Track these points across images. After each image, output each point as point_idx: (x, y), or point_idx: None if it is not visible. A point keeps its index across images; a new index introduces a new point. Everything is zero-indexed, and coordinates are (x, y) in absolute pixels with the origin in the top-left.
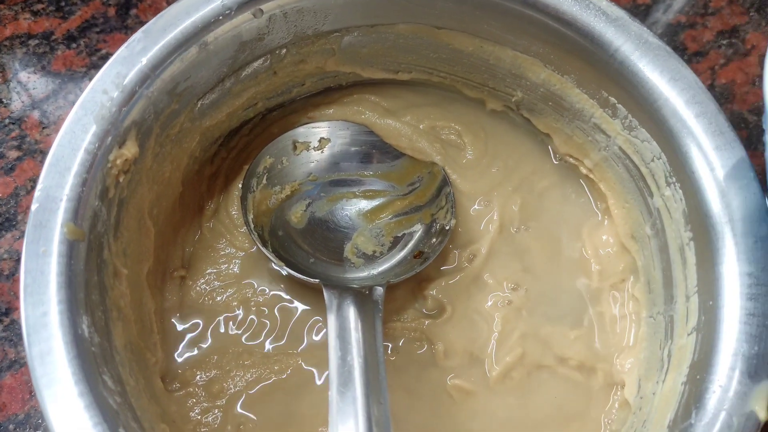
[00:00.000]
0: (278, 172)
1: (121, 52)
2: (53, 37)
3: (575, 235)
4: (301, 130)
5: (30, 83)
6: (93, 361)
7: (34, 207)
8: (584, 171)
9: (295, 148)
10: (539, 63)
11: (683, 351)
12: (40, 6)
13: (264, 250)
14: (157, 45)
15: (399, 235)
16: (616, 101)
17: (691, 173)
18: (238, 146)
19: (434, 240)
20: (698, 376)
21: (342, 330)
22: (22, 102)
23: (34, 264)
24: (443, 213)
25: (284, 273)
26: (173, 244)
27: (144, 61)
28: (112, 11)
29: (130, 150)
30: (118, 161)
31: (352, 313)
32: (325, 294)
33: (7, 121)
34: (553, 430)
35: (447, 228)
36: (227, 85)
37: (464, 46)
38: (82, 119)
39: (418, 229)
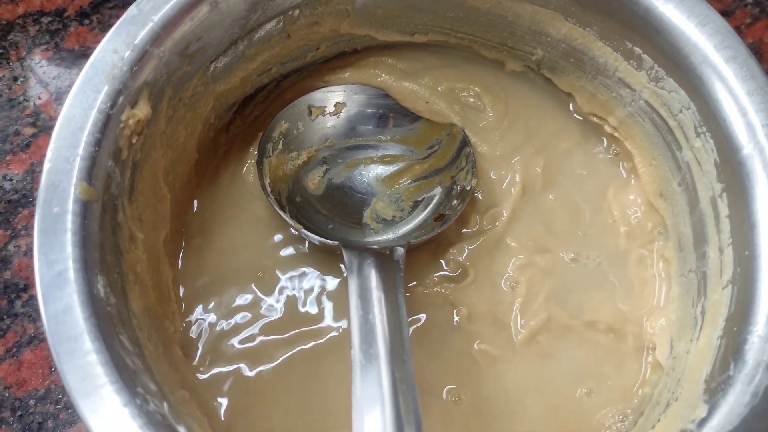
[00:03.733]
0: (294, 138)
1: (131, 11)
2: (66, 14)
3: (600, 197)
4: (316, 94)
5: (44, 60)
6: (109, 321)
7: (46, 167)
8: (609, 130)
9: (310, 113)
10: (560, 17)
11: (718, 305)
12: None
13: (282, 213)
14: (168, 4)
15: (419, 199)
16: (641, 51)
17: (722, 121)
18: (253, 114)
19: (455, 202)
20: (735, 328)
21: (363, 290)
22: (37, 79)
23: (48, 224)
24: (464, 174)
25: (303, 236)
26: (190, 212)
27: (155, 19)
28: None
29: (143, 110)
30: (131, 121)
31: (373, 272)
32: (345, 255)
33: (21, 98)
34: (581, 395)
35: (468, 188)
36: (240, 48)
37: (481, 2)
38: (93, 79)
39: (438, 192)
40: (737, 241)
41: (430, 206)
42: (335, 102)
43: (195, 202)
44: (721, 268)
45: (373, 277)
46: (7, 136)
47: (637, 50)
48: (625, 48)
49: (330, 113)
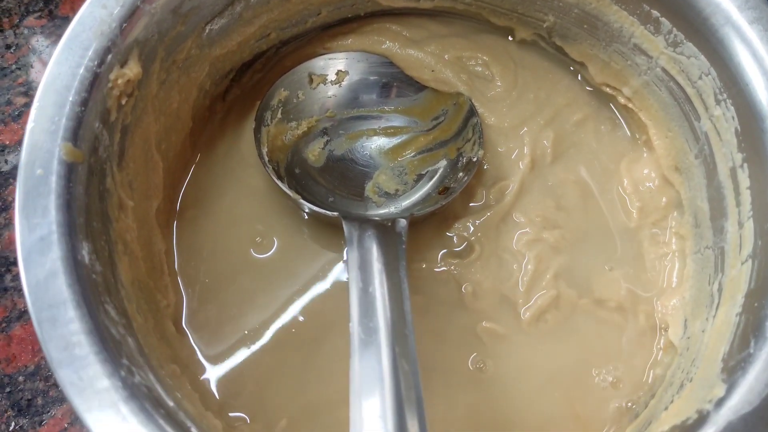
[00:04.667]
0: (294, 107)
1: None
2: None
3: (612, 170)
4: (317, 62)
5: (37, 28)
6: (95, 289)
7: (29, 126)
8: (622, 101)
9: (311, 81)
10: None
11: (737, 281)
12: None
13: (280, 183)
14: None
15: (422, 172)
16: (659, 14)
17: (745, 86)
18: (251, 82)
19: (461, 174)
20: (756, 304)
21: (363, 262)
22: (30, 47)
23: (30, 186)
24: (470, 145)
25: (301, 208)
26: (184, 183)
27: None
28: None
29: (133, 70)
30: (120, 81)
31: (374, 245)
32: (345, 227)
33: (14, 66)
34: (590, 376)
35: (474, 160)
36: (237, 10)
37: None
38: (80, 35)
39: (443, 165)
40: (759, 213)
41: (435, 179)
42: (337, 70)
43: (190, 172)
44: (741, 242)
45: (374, 249)
46: None
47: (655, 13)
48: (642, 11)
49: (332, 82)
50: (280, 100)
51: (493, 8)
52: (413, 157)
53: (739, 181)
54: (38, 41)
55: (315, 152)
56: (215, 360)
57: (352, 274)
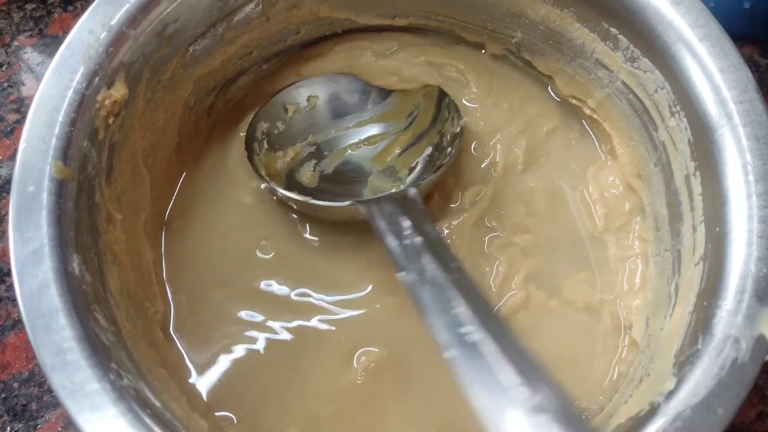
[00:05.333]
0: (276, 138)
1: None
2: (50, 1)
3: (580, 178)
4: (288, 92)
5: (28, 47)
6: (84, 299)
7: (21, 146)
8: (588, 112)
9: (286, 111)
10: None
11: (690, 282)
12: None
13: (287, 193)
14: None
15: (413, 165)
16: (617, 32)
17: (695, 99)
18: (235, 98)
19: (449, 149)
20: (705, 303)
21: (391, 223)
22: (21, 65)
23: (23, 202)
24: (449, 123)
25: (309, 208)
26: (171, 196)
27: (131, 1)
28: None
29: (119, 91)
30: (107, 102)
31: (396, 209)
32: (362, 209)
33: (5, 84)
34: (560, 375)
35: (457, 131)
36: (219, 31)
37: None
38: (68, 60)
39: (430, 150)
40: (709, 219)
41: (427, 164)
42: (307, 96)
43: (177, 185)
44: (695, 245)
45: (398, 212)
46: None
47: (613, 30)
48: (602, 29)
49: (305, 108)
50: (263, 132)
51: (464, 24)
52: (399, 155)
53: (693, 188)
54: (29, 59)
55: (308, 175)
56: (202, 365)
57: (384, 238)
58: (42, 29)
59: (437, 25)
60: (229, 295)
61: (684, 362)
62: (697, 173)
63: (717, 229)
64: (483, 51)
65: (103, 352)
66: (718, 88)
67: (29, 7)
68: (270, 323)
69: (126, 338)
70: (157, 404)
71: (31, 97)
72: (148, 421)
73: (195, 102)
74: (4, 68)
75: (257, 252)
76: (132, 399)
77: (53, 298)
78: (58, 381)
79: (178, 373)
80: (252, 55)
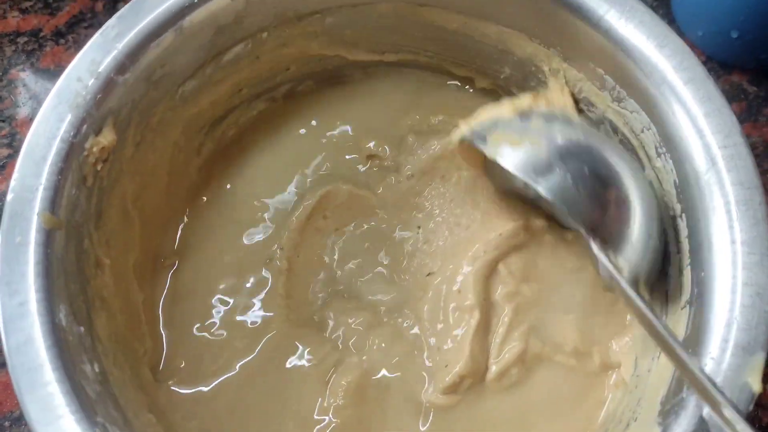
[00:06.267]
0: None
1: (96, 39)
2: (42, 34)
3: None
4: None
5: (19, 80)
6: (71, 351)
7: (9, 197)
8: None
9: None
10: (525, 36)
11: (676, 326)
12: (28, 3)
13: None
14: (131, 31)
15: None
16: (603, 72)
17: (680, 141)
18: (226, 137)
19: None
20: (690, 350)
21: None
22: (12, 99)
23: (10, 253)
24: None
25: None
26: (163, 234)
27: (119, 47)
28: (99, 6)
29: (107, 137)
30: (95, 149)
31: None
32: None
33: None
34: (548, 420)
35: None
36: (208, 72)
37: (448, 23)
38: (56, 108)
39: None
40: (695, 262)
41: None
42: None
43: (168, 223)
44: (681, 288)
45: None
46: None
47: (600, 71)
48: (589, 68)
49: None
50: None
51: (453, 60)
52: None
53: (679, 230)
54: (21, 93)
55: None
56: (194, 401)
57: None
58: (34, 63)
59: (426, 60)
60: (221, 331)
61: (669, 411)
62: (683, 215)
63: (702, 274)
64: (470, 88)
65: (89, 406)
66: (702, 132)
67: (21, 40)
68: (263, 360)
69: (113, 385)
70: None
71: (23, 132)
72: None
73: (185, 142)
74: None
75: (249, 289)
76: None
77: (39, 352)
78: None
79: (167, 415)
80: (242, 93)
